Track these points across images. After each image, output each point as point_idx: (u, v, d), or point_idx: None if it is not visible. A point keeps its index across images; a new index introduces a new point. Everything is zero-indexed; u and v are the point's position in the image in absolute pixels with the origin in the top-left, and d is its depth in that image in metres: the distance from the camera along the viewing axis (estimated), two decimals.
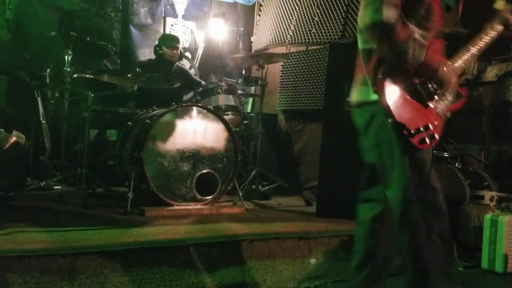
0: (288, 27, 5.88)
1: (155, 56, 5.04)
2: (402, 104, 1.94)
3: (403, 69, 1.94)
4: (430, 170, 1.99)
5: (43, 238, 2.63)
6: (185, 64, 5.96)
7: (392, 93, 1.93)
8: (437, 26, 2.06)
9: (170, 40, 4.98)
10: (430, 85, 2.00)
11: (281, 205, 4.33)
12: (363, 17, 1.90)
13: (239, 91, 4.58)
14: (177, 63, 5.09)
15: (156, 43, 5.05)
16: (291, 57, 5.72)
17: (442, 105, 2.06)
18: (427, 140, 1.95)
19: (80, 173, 3.75)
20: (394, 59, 1.92)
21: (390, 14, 1.83)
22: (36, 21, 5.19)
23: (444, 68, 2.00)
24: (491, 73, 4.89)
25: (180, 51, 5.06)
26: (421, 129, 1.94)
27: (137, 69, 4.11)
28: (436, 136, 1.99)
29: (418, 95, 1.99)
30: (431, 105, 2.01)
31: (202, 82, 5.04)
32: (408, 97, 1.97)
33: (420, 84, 1.99)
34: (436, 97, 2.02)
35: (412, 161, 1.98)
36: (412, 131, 1.93)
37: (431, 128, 1.96)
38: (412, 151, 1.97)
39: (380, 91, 1.92)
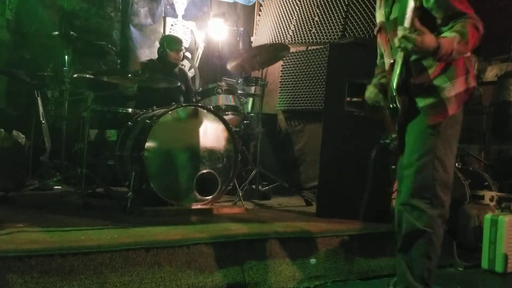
0: (288, 27, 5.88)
1: (156, 56, 5.03)
2: None
3: None
4: None
5: (43, 238, 2.63)
6: (185, 64, 5.97)
7: None
8: None
9: (175, 44, 4.92)
10: None
11: (281, 205, 4.33)
12: None
13: (239, 91, 4.57)
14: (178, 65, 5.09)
15: (159, 44, 5.04)
16: (291, 57, 5.72)
17: None
18: None
19: (80, 173, 3.74)
20: None
21: None
22: (36, 21, 5.18)
23: None
24: (491, 73, 4.89)
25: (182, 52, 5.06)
26: None
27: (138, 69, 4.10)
28: None
29: None
30: None
31: (196, 89, 4.95)
32: None
33: None
34: None
35: None
36: None
37: None
38: None
39: None
